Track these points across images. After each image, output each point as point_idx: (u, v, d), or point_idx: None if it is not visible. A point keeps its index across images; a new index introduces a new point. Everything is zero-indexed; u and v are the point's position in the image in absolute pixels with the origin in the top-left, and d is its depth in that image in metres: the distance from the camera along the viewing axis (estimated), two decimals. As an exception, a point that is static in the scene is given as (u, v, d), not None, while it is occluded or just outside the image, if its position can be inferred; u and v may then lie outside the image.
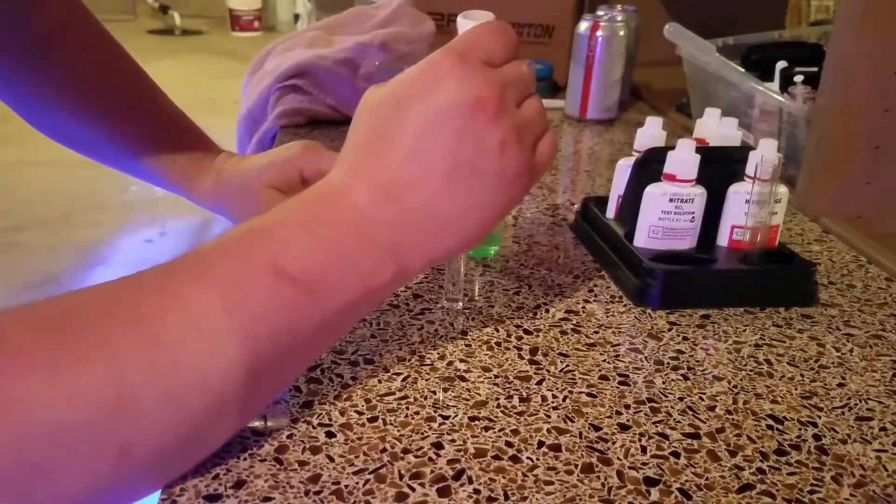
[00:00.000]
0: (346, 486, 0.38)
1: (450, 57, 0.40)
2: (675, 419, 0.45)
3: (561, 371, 0.50)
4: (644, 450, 0.42)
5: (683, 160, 0.59)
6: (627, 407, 0.46)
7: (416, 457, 0.41)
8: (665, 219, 0.60)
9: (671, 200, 0.60)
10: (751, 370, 0.51)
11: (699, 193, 0.60)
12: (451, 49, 0.40)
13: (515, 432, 0.43)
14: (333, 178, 0.42)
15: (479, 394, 0.47)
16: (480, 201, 0.41)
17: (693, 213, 0.60)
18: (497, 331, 0.54)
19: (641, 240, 0.61)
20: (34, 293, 2.44)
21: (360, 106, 0.42)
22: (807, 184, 0.78)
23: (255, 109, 1.06)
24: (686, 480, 0.40)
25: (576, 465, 0.41)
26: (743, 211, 0.61)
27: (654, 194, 0.60)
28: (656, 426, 0.45)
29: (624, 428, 0.44)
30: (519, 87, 0.42)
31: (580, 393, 0.47)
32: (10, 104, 0.65)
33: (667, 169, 0.59)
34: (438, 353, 0.51)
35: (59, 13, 0.64)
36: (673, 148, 0.59)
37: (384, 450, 0.41)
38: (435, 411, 0.45)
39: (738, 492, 0.40)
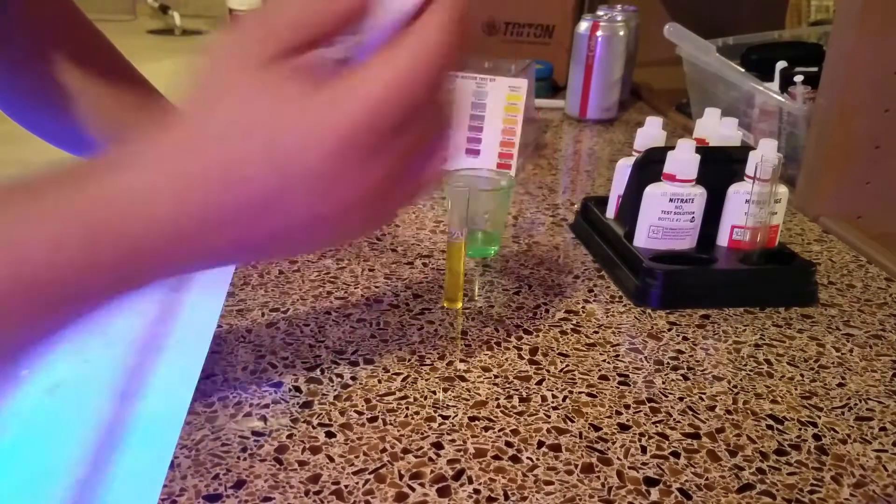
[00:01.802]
0: (346, 486, 0.38)
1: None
2: (674, 419, 0.45)
3: (561, 371, 0.50)
4: (644, 450, 0.42)
5: (683, 160, 0.59)
6: (627, 407, 0.46)
7: (415, 457, 0.41)
8: (665, 219, 0.60)
9: (671, 200, 0.60)
10: (751, 370, 0.51)
11: (699, 193, 0.60)
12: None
13: (515, 432, 0.43)
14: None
15: (478, 394, 0.47)
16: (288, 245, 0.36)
17: (693, 213, 0.60)
18: (497, 331, 0.54)
19: (641, 240, 0.61)
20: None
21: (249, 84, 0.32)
22: (807, 184, 0.78)
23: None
24: (686, 480, 0.40)
25: (576, 465, 0.41)
26: (743, 211, 0.61)
27: (654, 194, 0.60)
28: (656, 426, 0.45)
29: (624, 428, 0.44)
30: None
31: (580, 393, 0.47)
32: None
33: (667, 169, 0.59)
34: (438, 353, 0.51)
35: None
36: (673, 148, 0.59)
37: (384, 450, 0.41)
38: (435, 411, 0.45)
39: (738, 492, 0.40)
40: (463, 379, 0.48)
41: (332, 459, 0.40)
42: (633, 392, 0.48)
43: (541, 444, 0.42)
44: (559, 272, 0.64)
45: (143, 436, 1.82)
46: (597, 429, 0.44)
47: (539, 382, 0.48)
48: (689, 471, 0.41)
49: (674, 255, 0.60)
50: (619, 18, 1.10)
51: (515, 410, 0.45)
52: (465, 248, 0.55)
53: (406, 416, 0.44)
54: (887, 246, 0.70)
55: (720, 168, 0.61)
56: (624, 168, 0.66)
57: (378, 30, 0.32)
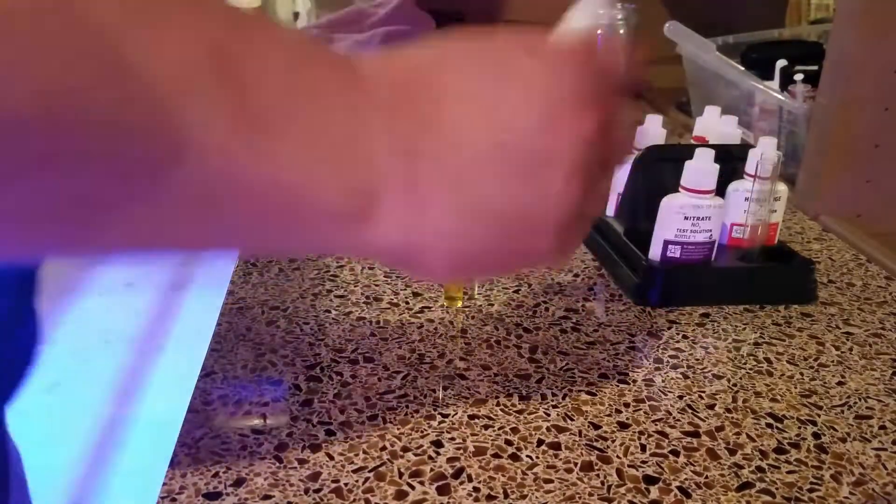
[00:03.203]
0: (346, 485, 0.38)
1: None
2: (674, 417, 0.45)
3: (560, 369, 0.50)
4: (643, 448, 0.42)
5: (700, 170, 0.57)
6: (627, 405, 0.46)
7: (415, 455, 0.41)
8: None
9: (686, 218, 0.58)
10: (750, 368, 0.51)
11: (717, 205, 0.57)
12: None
13: (515, 430, 0.43)
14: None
15: (478, 392, 0.47)
16: (514, 211, 0.29)
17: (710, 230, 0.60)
18: (497, 329, 0.54)
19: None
20: (34, 291, 2.43)
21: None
22: (806, 182, 0.78)
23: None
24: (685, 479, 0.40)
25: (575, 464, 0.41)
26: (743, 209, 0.61)
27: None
28: (656, 424, 0.45)
29: (623, 426, 0.44)
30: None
31: (579, 391, 0.47)
32: None
33: (683, 182, 0.58)
34: (438, 352, 0.51)
35: None
36: (673, 146, 0.59)
37: (384, 448, 0.41)
38: (434, 409, 0.45)
39: (737, 490, 0.40)
40: (462, 377, 0.48)
41: (331, 457, 0.40)
42: (633, 390, 0.48)
43: (540, 442, 0.42)
44: (558, 270, 0.64)
45: (142, 434, 1.82)
46: (596, 427, 0.44)
47: (539, 381, 0.48)
48: (688, 469, 0.41)
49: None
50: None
51: (515, 409, 0.45)
52: (464, 246, 0.55)
53: (406, 414, 0.44)
54: (887, 244, 0.70)
55: (720, 166, 0.61)
56: (623, 166, 0.65)
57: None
